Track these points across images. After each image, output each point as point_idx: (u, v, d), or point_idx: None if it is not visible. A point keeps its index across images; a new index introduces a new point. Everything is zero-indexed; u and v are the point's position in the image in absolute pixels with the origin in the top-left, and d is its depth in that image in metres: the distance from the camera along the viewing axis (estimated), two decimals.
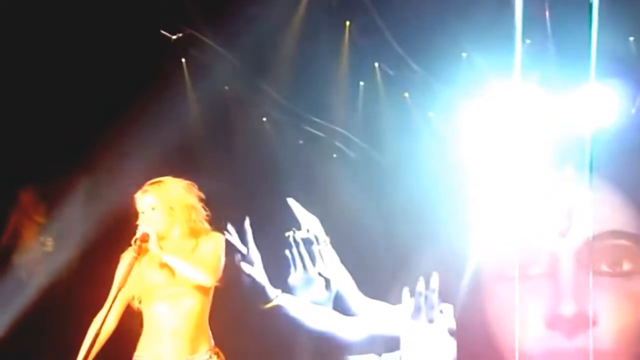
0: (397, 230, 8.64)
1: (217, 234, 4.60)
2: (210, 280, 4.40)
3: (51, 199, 8.82)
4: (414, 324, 8.43)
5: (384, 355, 8.70)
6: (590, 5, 7.13)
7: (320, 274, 8.75)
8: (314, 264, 8.72)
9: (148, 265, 4.44)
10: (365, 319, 8.66)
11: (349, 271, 8.78)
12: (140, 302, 4.49)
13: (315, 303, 8.63)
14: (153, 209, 4.47)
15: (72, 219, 9.03)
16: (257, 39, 8.01)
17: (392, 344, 8.57)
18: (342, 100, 8.68)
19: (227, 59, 8.34)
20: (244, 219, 8.76)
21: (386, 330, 8.60)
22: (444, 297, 8.51)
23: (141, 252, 4.35)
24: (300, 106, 8.72)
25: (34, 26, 7.82)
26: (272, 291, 8.58)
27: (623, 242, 8.46)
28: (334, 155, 9.08)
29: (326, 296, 8.73)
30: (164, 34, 8.29)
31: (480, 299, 8.66)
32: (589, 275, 8.00)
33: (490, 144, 8.22)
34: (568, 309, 8.35)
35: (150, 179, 4.66)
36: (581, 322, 8.12)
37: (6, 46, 7.79)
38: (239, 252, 8.89)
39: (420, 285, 8.36)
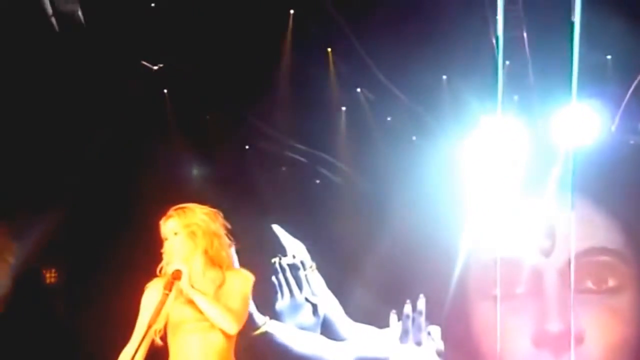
0: (383, 254, 8.66)
1: (246, 274, 4.51)
2: (235, 329, 4.32)
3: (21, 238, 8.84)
4: (403, 347, 8.45)
5: None
6: (572, 25, 7.20)
7: (307, 300, 8.75)
8: (300, 290, 8.72)
9: (176, 299, 4.34)
10: (354, 344, 8.66)
11: (336, 296, 8.79)
12: (161, 336, 4.39)
13: (303, 329, 8.63)
14: (175, 234, 4.37)
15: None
16: (238, 67, 8.06)
17: None
18: (325, 126, 8.72)
19: (210, 87, 8.38)
20: (230, 245, 8.75)
21: (375, 354, 8.60)
22: (431, 319, 8.54)
23: (172, 288, 4.27)
24: (283, 133, 8.75)
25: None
26: (259, 318, 8.57)
27: (607, 258, 8.52)
28: (317, 181, 9.11)
29: (314, 321, 8.72)
30: (145, 65, 8.32)
31: (467, 320, 8.70)
32: (573, 293, 8.06)
33: (473, 166, 8.28)
34: (554, 326, 8.40)
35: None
36: (567, 340, 8.16)
37: None
38: None
39: (408, 308, 8.38)
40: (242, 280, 4.45)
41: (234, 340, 4.41)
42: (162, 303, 4.22)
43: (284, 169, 9.03)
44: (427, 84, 8.25)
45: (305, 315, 8.74)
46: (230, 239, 4.50)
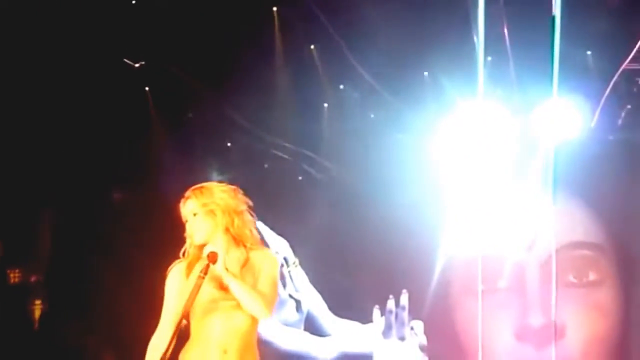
0: (366, 250, 8.70)
1: (271, 255, 4.42)
2: (267, 315, 4.23)
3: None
4: (386, 342, 8.46)
5: None
6: (553, 19, 7.25)
7: (290, 296, 8.74)
8: (284, 286, 8.71)
9: (193, 281, 4.17)
10: (337, 339, 8.67)
11: (319, 292, 8.81)
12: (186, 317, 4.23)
13: (286, 325, 8.61)
14: (194, 214, 4.25)
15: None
16: (221, 65, 8.07)
17: None
18: (307, 123, 8.73)
19: (192, 85, 8.38)
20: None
21: (358, 349, 8.62)
22: (414, 315, 8.57)
23: (208, 271, 4.11)
24: (265, 130, 8.76)
25: None
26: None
27: (588, 252, 8.59)
28: (300, 178, 9.12)
29: (297, 318, 8.72)
30: (126, 62, 8.31)
31: (450, 315, 8.74)
32: (555, 287, 8.12)
33: (456, 160, 8.32)
34: (536, 320, 8.45)
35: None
36: (549, 334, 8.20)
37: None
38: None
39: (391, 304, 8.41)
40: (270, 263, 4.33)
41: (257, 324, 4.31)
42: (198, 287, 4.06)
43: (266, 165, 9.04)
44: (410, 80, 8.28)
45: (289, 312, 8.74)
46: (252, 216, 4.37)
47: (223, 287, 4.20)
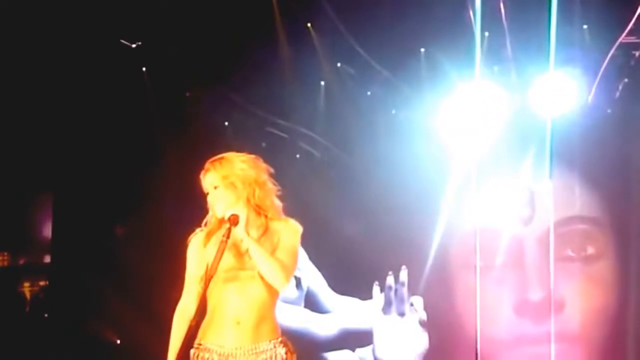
0: (364, 226, 8.72)
1: (294, 224, 4.29)
2: (284, 284, 4.12)
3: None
4: (386, 318, 8.51)
5: (357, 350, 8.77)
6: None
7: None
8: None
9: (212, 249, 4.14)
10: (338, 316, 8.72)
11: (319, 269, 8.84)
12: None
13: (286, 302, 8.65)
14: (215, 187, 4.19)
15: None
16: (217, 43, 8.05)
17: (364, 339, 8.63)
18: (304, 101, 8.73)
19: (189, 64, 8.37)
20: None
21: (358, 325, 8.67)
22: (413, 290, 8.61)
23: (230, 235, 4.05)
24: (262, 108, 8.75)
25: None
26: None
27: (585, 227, 8.62)
28: (297, 156, 9.13)
29: (297, 295, 8.76)
30: (123, 43, 8.29)
31: (449, 290, 8.77)
32: (553, 261, 8.14)
33: (453, 136, 8.33)
34: (534, 295, 8.49)
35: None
36: (548, 308, 8.24)
37: None
38: None
39: (390, 280, 8.44)
40: (291, 232, 4.24)
41: (276, 295, 4.21)
42: (222, 251, 4.00)
43: (264, 144, 9.03)
44: (406, 57, 8.27)
45: (289, 289, 8.78)
46: (275, 185, 4.28)
47: (241, 255, 4.15)
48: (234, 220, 4.08)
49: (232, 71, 8.39)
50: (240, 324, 4.12)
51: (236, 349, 4.13)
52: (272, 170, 4.29)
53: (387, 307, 8.49)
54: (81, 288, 8.83)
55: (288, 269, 4.14)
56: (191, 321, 4.07)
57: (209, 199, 4.22)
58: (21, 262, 9.28)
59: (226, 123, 8.97)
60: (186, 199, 8.62)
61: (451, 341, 8.50)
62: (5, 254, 9.15)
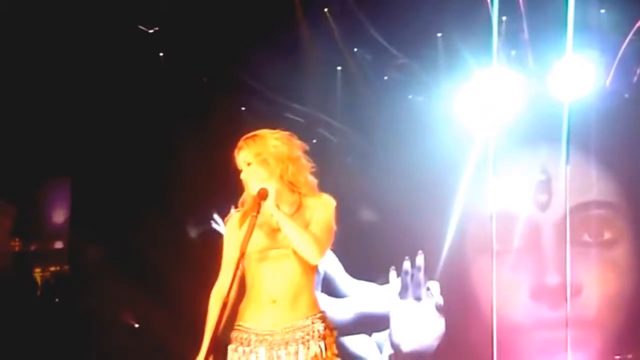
0: (381, 211, 8.73)
1: (327, 198, 4.21)
2: (317, 258, 4.05)
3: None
4: (402, 303, 8.53)
5: (374, 334, 8.80)
6: None
7: None
8: None
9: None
10: (354, 300, 8.74)
11: (335, 254, 8.85)
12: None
13: None
14: (248, 164, 4.17)
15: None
16: (235, 28, 8.06)
17: (381, 324, 8.65)
18: (321, 86, 8.73)
19: (206, 49, 8.38)
20: (229, 208, 8.79)
21: (375, 309, 8.69)
22: (430, 275, 8.62)
23: (259, 210, 4.02)
24: (279, 94, 8.77)
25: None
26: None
27: (602, 211, 8.61)
28: (314, 141, 9.13)
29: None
30: (141, 29, 8.31)
31: (465, 275, 8.79)
32: (570, 246, 8.14)
33: (470, 121, 8.32)
34: (551, 279, 8.50)
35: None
36: (564, 292, 8.23)
37: None
38: None
39: (407, 265, 8.46)
40: (324, 206, 4.17)
41: (311, 270, 4.17)
42: (252, 226, 3.97)
43: (280, 129, 9.03)
44: (423, 42, 8.26)
45: None
46: (309, 162, 4.25)
47: (274, 234, 4.11)
48: (262, 195, 4.04)
49: (249, 56, 8.39)
50: (276, 302, 4.10)
51: (273, 327, 4.11)
52: (307, 147, 4.26)
53: (403, 292, 8.50)
54: (99, 272, 8.88)
55: (321, 242, 4.08)
56: (224, 299, 4.03)
57: (242, 176, 4.18)
58: (32, 248, 9.33)
59: (243, 108, 8.99)
60: (203, 183, 8.75)
61: (468, 326, 8.51)
62: (17, 239, 9.20)
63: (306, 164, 4.24)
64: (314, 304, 4.18)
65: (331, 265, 8.83)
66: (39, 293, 9.23)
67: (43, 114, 8.41)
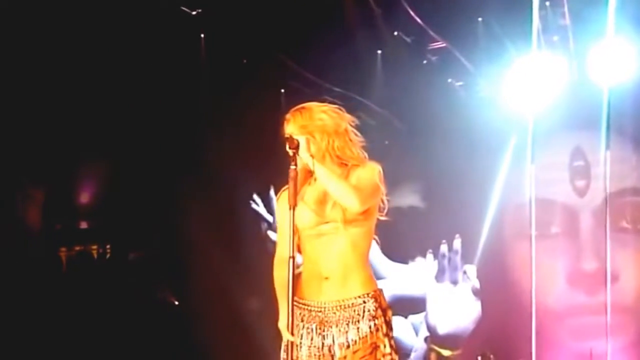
0: (419, 195, 8.76)
1: (372, 164, 4.14)
2: (358, 205, 3.95)
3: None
4: (439, 286, 8.57)
5: (410, 317, 8.85)
6: None
7: None
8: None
9: (298, 206, 4.03)
10: (391, 282, 8.79)
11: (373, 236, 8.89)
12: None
13: None
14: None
15: None
16: (275, 11, 8.08)
17: (417, 306, 8.71)
18: (361, 69, 8.75)
19: (247, 31, 8.41)
20: (269, 188, 8.86)
21: (412, 292, 8.74)
22: (467, 259, 8.65)
23: (297, 161, 3.96)
24: (319, 76, 8.80)
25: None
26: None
27: None
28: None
29: None
30: (184, 10, 8.35)
31: (502, 259, 8.80)
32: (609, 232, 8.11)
33: (510, 105, 8.31)
34: (588, 265, 8.49)
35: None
36: (601, 279, 8.21)
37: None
38: (266, 220, 9.01)
39: (444, 248, 8.49)
40: (367, 170, 4.09)
41: (362, 245, 4.11)
42: (295, 179, 3.92)
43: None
44: (463, 26, 8.24)
45: None
46: (357, 135, 4.15)
47: (321, 206, 4.08)
48: (291, 143, 3.99)
49: (290, 39, 8.42)
50: (329, 279, 4.06)
51: (324, 303, 4.06)
52: (356, 121, 4.20)
53: (440, 275, 8.55)
54: (140, 251, 9.00)
55: (361, 191, 4.01)
56: (288, 261, 3.95)
57: (288, 148, 4.05)
58: (57, 227, 9.43)
59: (282, 90, 9.03)
60: (242, 166, 8.82)
61: (504, 310, 8.53)
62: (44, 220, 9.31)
63: (354, 138, 4.16)
64: (368, 281, 4.12)
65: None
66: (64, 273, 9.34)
67: (82, 94, 8.48)
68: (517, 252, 8.66)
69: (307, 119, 4.10)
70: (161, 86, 8.62)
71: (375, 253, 8.90)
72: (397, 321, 8.82)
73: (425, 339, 8.75)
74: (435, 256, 8.60)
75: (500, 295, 8.59)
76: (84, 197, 9.44)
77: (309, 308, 4.10)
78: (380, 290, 4.16)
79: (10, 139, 8.30)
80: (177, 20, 8.29)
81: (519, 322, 8.20)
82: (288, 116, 4.16)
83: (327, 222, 4.07)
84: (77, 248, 9.40)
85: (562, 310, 8.63)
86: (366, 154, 4.16)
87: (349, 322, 4.07)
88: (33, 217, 9.06)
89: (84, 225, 9.52)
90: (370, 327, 4.06)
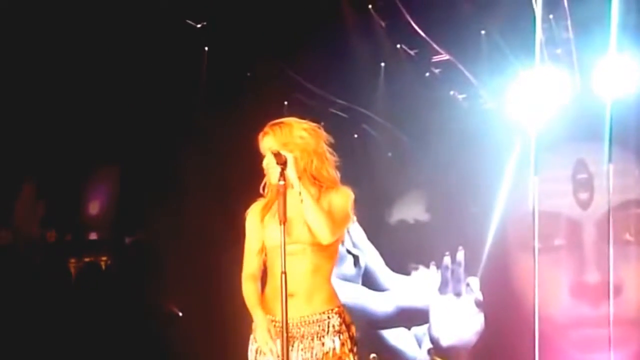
0: (422, 207, 8.76)
1: (345, 189, 4.15)
2: (329, 237, 3.98)
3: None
4: (442, 298, 8.57)
5: (413, 328, 8.85)
6: None
7: (348, 251, 8.86)
8: (342, 242, 8.85)
9: (268, 223, 4.12)
10: (394, 294, 8.80)
11: (376, 248, 8.90)
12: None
13: (345, 279, 8.75)
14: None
15: None
16: (279, 23, 8.11)
17: (420, 317, 8.71)
18: (364, 81, 8.77)
19: (250, 44, 8.44)
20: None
21: (415, 303, 8.74)
22: (470, 271, 8.65)
23: (285, 177, 3.97)
24: (323, 88, 8.82)
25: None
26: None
27: None
28: (355, 135, 9.18)
29: (355, 272, 8.85)
30: (188, 23, 8.38)
31: (505, 271, 8.80)
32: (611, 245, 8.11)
33: (512, 117, 8.32)
34: (591, 278, 8.48)
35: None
36: (605, 291, 8.21)
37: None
38: None
39: (447, 260, 8.49)
40: (341, 196, 4.12)
41: (329, 267, 4.16)
42: (284, 195, 3.92)
43: (322, 123, 9.06)
44: (466, 39, 8.26)
45: (347, 267, 8.86)
46: (333, 155, 4.18)
47: (290, 227, 4.03)
48: (280, 159, 3.98)
49: (293, 51, 8.44)
50: (294, 296, 4.05)
51: (289, 319, 4.01)
52: (332, 139, 4.20)
53: (443, 287, 8.55)
54: (145, 261, 9.00)
55: (335, 223, 4.02)
56: (254, 277, 4.12)
57: (265, 162, 4.11)
58: (68, 238, 9.45)
59: (285, 102, 9.05)
60: (247, 175, 8.83)
61: (508, 322, 8.53)
62: (53, 230, 9.33)
63: (330, 157, 4.18)
64: (331, 298, 4.15)
65: (372, 258, 8.89)
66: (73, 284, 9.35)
67: (87, 105, 8.50)
68: (520, 264, 8.66)
69: (288, 135, 4.11)
70: (165, 98, 8.64)
71: (379, 265, 8.93)
72: (400, 333, 8.84)
73: (429, 351, 8.75)
74: (439, 268, 8.61)
75: (504, 308, 8.59)
76: (93, 208, 9.47)
77: (274, 323, 4.12)
78: (344, 306, 4.20)
79: (18, 147, 8.33)
80: (182, 33, 8.32)
81: (522, 335, 8.19)
82: (267, 129, 4.16)
83: (294, 243, 4.08)
84: (87, 259, 9.43)
85: (565, 322, 8.62)
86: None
87: (313, 337, 4.12)
88: (33, 227, 9.10)
89: (93, 236, 9.55)
90: (334, 342, 4.11)
